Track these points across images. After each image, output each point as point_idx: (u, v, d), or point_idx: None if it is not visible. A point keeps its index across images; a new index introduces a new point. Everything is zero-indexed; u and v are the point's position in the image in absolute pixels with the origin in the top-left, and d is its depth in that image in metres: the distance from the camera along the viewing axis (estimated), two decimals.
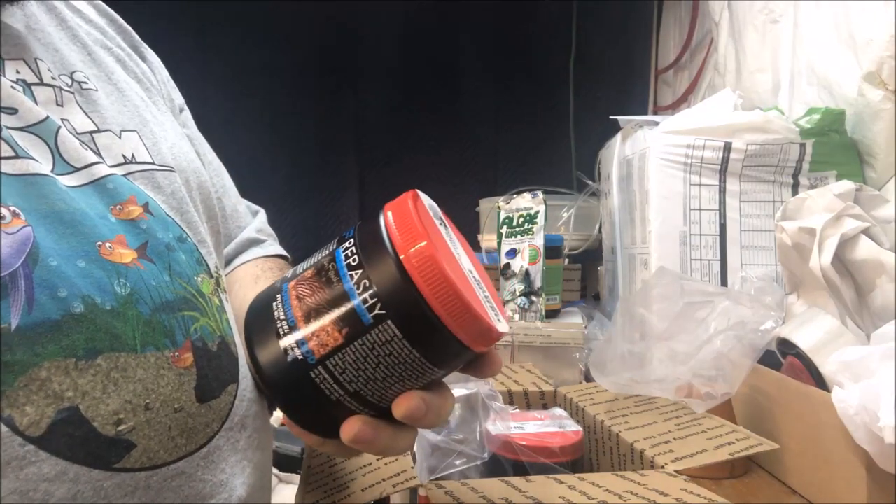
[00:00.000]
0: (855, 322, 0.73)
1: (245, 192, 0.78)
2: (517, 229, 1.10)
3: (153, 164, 0.50)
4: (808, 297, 0.77)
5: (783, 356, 0.71)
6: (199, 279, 0.48)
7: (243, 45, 1.79)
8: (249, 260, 0.69)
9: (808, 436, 0.62)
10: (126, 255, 0.43)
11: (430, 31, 1.87)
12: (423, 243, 0.32)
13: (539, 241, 1.08)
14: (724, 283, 0.92)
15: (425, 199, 0.38)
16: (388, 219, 0.34)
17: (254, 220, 0.75)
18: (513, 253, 1.10)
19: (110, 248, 0.42)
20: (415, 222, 0.33)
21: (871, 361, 0.55)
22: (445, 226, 0.39)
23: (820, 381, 0.64)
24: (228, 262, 0.69)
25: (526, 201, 1.11)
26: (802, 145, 0.89)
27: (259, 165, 1.78)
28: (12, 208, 0.39)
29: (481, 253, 1.45)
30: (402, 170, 1.87)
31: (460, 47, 1.89)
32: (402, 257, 0.32)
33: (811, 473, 0.62)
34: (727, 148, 0.90)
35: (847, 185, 0.77)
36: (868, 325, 0.72)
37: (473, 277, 0.37)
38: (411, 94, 1.87)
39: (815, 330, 0.68)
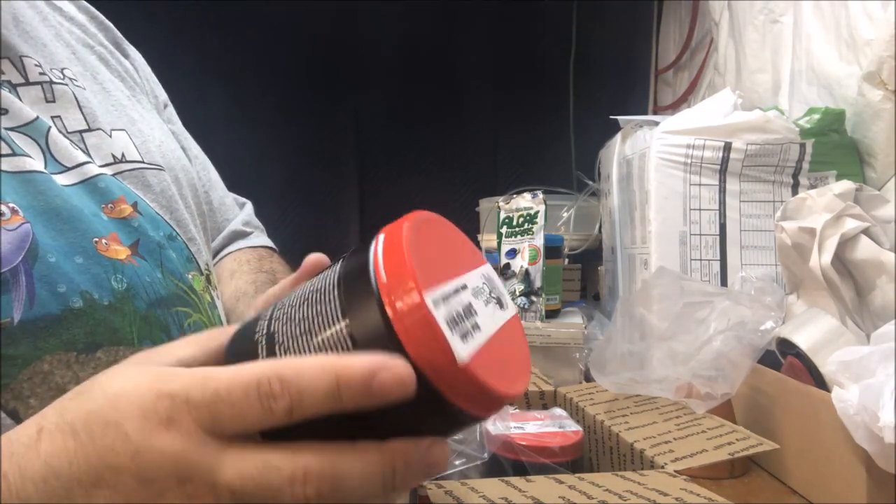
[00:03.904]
0: (855, 322, 0.72)
1: (245, 192, 0.78)
2: (517, 229, 1.10)
3: (143, 162, 0.50)
4: (808, 297, 0.77)
5: (783, 356, 0.71)
6: (191, 276, 0.48)
7: (243, 45, 1.79)
8: (231, 252, 0.69)
9: (808, 436, 0.62)
10: (121, 252, 0.43)
11: (429, 30, 1.87)
12: (413, 297, 0.26)
13: (539, 241, 1.07)
14: (724, 283, 0.91)
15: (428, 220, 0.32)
16: (377, 255, 0.28)
17: (241, 213, 0.75)
18: (513, 253, 1.10)
19: (106, 244, 0.42)
20: (406, 261, 0.27)
21: (871, 361, 0.55)
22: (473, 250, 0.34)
23: (820, 381, 0.64)
24: (215, 254, 0.69)
25: (526, 201, 1.11)
26: (802, 145, 0.89)
27: (259, 165, 1.78)
28: (11, 205, 0.39)
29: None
30: (402, 170, 1.86)
31: (460, 47, 1.89)
32: (389, 315, 0.27)
33: (811, 473, 0.62)
34: (727, 148, 0.90)
35: (847, 185, 0.77)
36: (868, 325, 0.72)
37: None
38: (411, 93, 1.87)
39: (815, 330, 0.68)
